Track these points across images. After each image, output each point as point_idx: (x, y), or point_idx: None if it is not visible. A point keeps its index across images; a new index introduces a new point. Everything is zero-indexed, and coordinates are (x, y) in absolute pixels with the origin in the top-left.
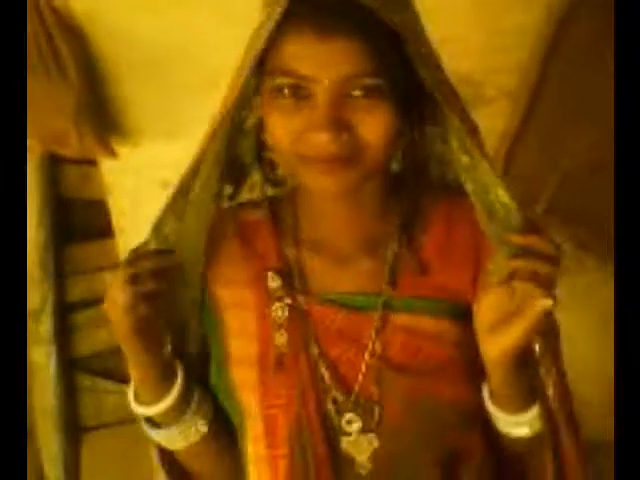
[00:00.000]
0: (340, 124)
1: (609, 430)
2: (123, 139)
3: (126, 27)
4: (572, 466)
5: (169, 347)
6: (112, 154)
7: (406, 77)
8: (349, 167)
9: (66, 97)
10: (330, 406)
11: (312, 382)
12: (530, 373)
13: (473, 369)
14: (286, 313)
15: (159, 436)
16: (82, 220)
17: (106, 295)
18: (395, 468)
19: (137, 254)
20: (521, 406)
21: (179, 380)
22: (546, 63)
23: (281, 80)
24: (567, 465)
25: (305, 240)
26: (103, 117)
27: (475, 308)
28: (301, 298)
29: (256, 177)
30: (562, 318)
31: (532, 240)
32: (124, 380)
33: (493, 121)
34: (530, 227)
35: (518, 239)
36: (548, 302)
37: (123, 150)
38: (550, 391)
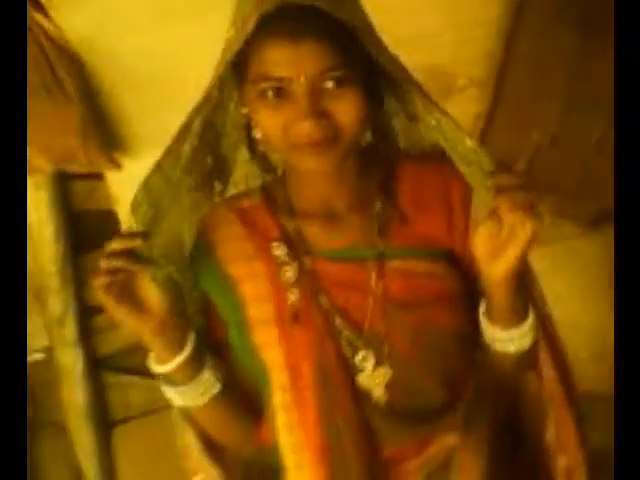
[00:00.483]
0: (319, 112)
1: (604, 380)
2: (125, 152)
3: (119, 49)
4: (551, 381)
5: (168, 312)
6: (117, 166)
7: (367, 66)
8: (331, 147)
9: (70, 118)
10: (345, 347)
11: (326, 329)
12: (523, 291)
13: (462, 300)
14: (294, 274)
15: (176, 394)
16: (94, 230)
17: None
18: (407, 395)
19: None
20: (518, 319)
21: (190, 339)
22: (508, 50)
23: (264, 85)
24: (546, 381)
25: (299, 212)
26: (105, 133)
27: (473, 244)
28: (305, 259)
29: (238, 175)
30: (550, 281)
31: (506, 177)
32: (146, 374)
33: (466, 107)
34: (501, 167)
35: (495, 179)
36: (535, 221)
37: (126, 161)
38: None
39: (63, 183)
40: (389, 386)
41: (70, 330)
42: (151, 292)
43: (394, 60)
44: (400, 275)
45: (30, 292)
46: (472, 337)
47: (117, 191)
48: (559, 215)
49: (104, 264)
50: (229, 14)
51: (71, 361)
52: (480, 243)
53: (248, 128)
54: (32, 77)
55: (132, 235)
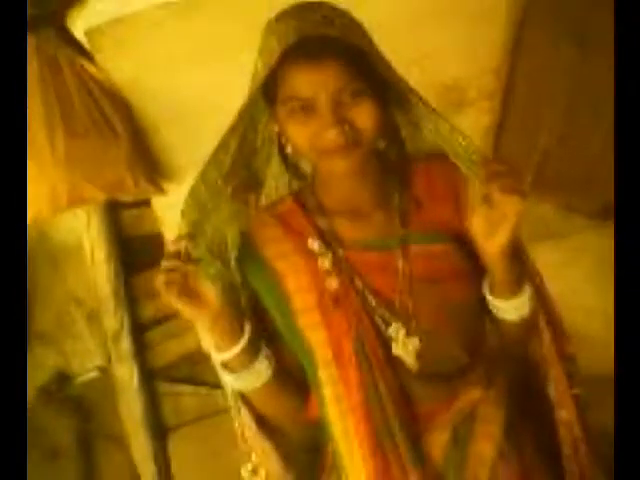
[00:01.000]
0: (341, 121)
1: (608, 362)
2: (168, 179)
3: (160, 88)
4: (549, 344)
5: (223, 304)
6: (162, 191)
7: (377, 80)
8: (354, 150)
9: (119, 151)
10: (379, 322)
11: (363, 308)
12: (519, 266)
13: (473, 276)
14: (330, 264)
15: (233, 379)
16: (143, 253)
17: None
18: (434, 360)
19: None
20: (516, 290)
21: (246, 329)
22: (513, 64)
23: (292, 104)
24: (545, 344)
25: (328, 211)
26: (150, 163)
27: (470, 226)
28: (338, 250)
29: (268, 188)
30: (565, 272)
31: (494, 166)
32: (196, 383)
33: (478, 118)
34: (487, 158)
35: (485, 169)
36: (521, 198)
37: (170, 187)
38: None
39: (114, 211)
40: (419, 354)
41: (125, 345)
42: (206, 286)
43: (398, 76)
44: (421, 257)
45: (84, 315)
46: (484, 308)
47: (162, 215)
48: (570, 209)
49: (163, 266)
50: (255, 55)
51: (127, 374)
52: (476, 225)
53: (280, 144)
54: (83, 118)
55: (181, 238)
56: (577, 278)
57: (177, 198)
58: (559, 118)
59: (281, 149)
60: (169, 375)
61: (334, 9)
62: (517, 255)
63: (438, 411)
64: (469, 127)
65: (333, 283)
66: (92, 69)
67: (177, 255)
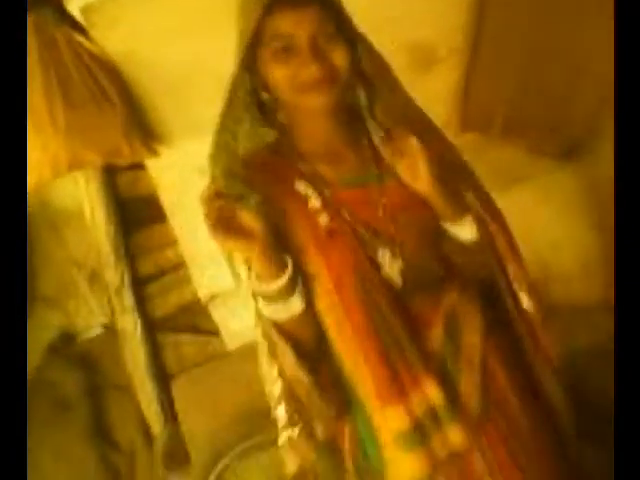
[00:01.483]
0: (319, 58)
1: (578, 292)
2: (162, 143)
3: (151, 58)
4: (504, 244)
5: (268, 233)
6: (156, 154)
7: (349, 29)
8: (331, 87)
9: (115, 118)
10: (369, 248)
11: (355, 236)
12: (455, 197)
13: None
14: (318, 202)
15: (270, 308)
16: (139, 213)
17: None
18: (416, 276)
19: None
20: (460, 213)
21: (289, 262)
22: (479, 20)
23: (274, 44)
24: (500, 244)
25: (307, 155)
26: (145, 128)
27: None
28: (324, 190)
29: (242, 148)
30: (536, 211)
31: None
32: (195, 331)
33: (449, 74)
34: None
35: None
36: (416, 139)
37: (163, 150)
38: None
39: (111, 175)
40: (403, 272)
41: (127, 299)
42: (249, 218)
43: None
44: (396, 189)
45: (85, 277)
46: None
47: (157, 176)
48: (537, 152)
49: (205, 209)
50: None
51: (130, 326)
52: (402, 174)
53: (258, 91)
54: (80, 88)
55: (215, 179)
56: (547, 216)
57: (169, 160)
58: (522, 68)
59: (258, 101)
60: (169, 325)
61: None
62: (451, 189)
63: (428, 314)
64: (441, 83)
65: (325, 219)
66: (88, 44)
67: (215, 196)
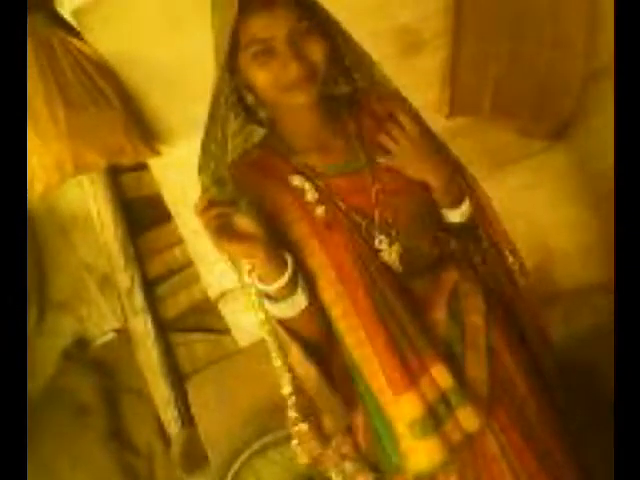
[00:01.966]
0: (298, 57)
1: (578, 273)
2: (162, 142)
3: (146, 56)
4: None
5: (266, 234)
6: (158, 154)
7: (323, 21)
8: (312, 83)
9: (115, 119)
10: (367, 236)
11: (352, 224)
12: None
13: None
14: (314, 195)
15: (275, 307)
16: (145, 213)
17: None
18: (414, 259)
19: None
20: (459, 199)
21: (290, 261)
22: (458, 2)
23: (253, 48)
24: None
25: (297, 149)
26: (145, 128)
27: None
28: (317, 181)
29: (230, 146)
30: (529, 193)
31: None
32: (205, 330)
33: (435, 56)
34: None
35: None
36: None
37: (164, 149)
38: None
39: (114, 176)
40: (401, 258)
41: (138, 300)
42: (246, 223)
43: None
44: (386, 173)
45: (96, 281)
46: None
47: (159, 175)
48: (524, 135)
49: (203, 220)
50: None
51: (142, 327)
52: (399, 166)
53: (238, 99)
54: (78, 91)
55: (206, 189)
56: (543, 197)
57: (172, 158)
58: (505, 48)
59: (242, 101)
60: (180, 325)
61: None
62: (451, 176)
63: (430, 296)
64: (428, 65)
65: (321, 211)
66: (82, 47)
67: (210, 205)
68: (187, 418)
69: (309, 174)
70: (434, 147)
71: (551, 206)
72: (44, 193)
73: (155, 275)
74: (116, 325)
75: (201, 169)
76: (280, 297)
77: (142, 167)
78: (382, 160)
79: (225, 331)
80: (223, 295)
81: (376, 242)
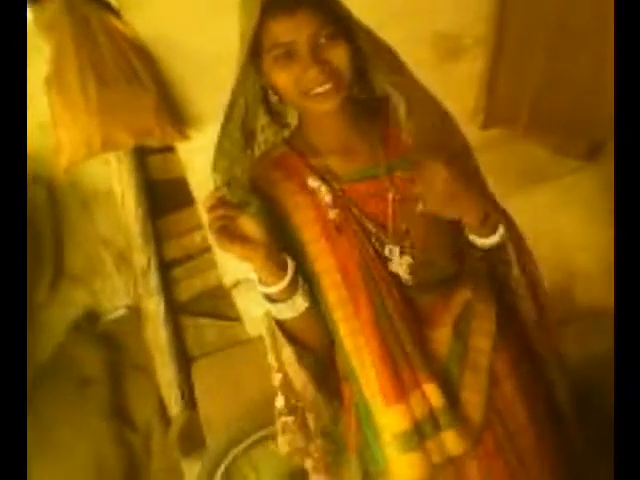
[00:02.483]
0: (319, 61)
1: (605, 296)
2: (192, 126)
3: (183, 41)
4: (528, 253)
5: (268, 239)
6: (186, 137)
7: (346, 27)
8: (335, 89)
9: (146, 100)
10: (377, 244)
11: (362, 233)
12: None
13: None
14: (330, 198)
15: (275, 308)
16: (169, 195)
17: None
18: (426, 272)
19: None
20: (491, 231)
21: (290, 264)
22: (503, 9)
23: (275, 52)
24: (525, 255)
25: (320, 151)
26: (176, 111)
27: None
28: (335, 185)
29: (258, 142)
30: (555, 213)
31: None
32: (217, 316)
33: (474, 64)
34: None
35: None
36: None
37: (193, 134)
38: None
39: (141, 156)
40: (412, 269)
41: (153, 281)
42: (252, 226)
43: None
44: (406, 182)
45: (112, 256)
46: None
47: (186, 159)
48: (558, 153)
49: (209, 217)
50: None
51: (154, 307)
52: (431, 207)
53: (265, 97)
54: (112, 70)
55: (218, 188)
56: (571, 217)
57: (199, 143)
58: (547, 61)
59: (266, 101)
60: (192, 309)
61: None
62: (486, 214)
63: (438, 313)
64: (466, 73)
65: (334, 214)
66: (120, 25)
67: (219, 204)
68: (189, 401)
69: (327, 177)
70: (470, 185)
71: (577, 226)
72: (69, 167)
73: (172, 258)
74: (128, 302)
75: (215, 167)
76: (280, 299)
77: (169, 149)
78: (419, 208)
79: (236, 319)
80: (237, 284)
81: (386, 251)
